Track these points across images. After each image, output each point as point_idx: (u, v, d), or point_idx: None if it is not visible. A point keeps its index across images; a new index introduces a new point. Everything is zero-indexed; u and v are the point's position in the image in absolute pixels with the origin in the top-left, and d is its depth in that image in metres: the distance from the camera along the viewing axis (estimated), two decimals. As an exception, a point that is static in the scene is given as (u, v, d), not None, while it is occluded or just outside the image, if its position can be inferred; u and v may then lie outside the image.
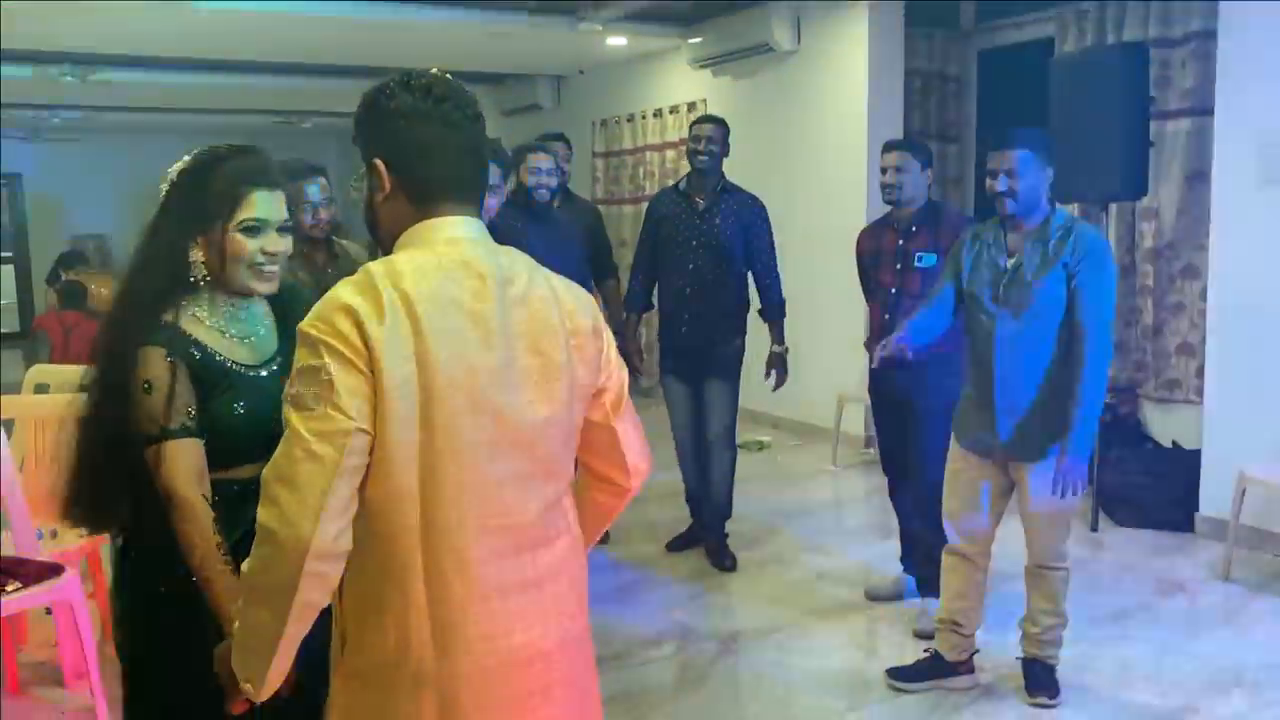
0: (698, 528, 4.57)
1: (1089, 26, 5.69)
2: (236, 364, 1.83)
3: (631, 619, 3.86)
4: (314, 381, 1.32)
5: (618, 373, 1.60)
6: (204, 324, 1.83)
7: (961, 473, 3.17)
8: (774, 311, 4.47)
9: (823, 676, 3.43)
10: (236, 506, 1.75)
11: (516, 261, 1.49)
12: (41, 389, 4.31)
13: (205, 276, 1.83)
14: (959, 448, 3.19)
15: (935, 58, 6.53)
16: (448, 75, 1.50)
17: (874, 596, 4.03)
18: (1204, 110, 5.13)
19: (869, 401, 4.33)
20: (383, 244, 1.51)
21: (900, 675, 3.30)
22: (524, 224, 3.88)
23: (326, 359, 1.32)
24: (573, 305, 1.52)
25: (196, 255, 1.82)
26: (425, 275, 1.37)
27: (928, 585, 3.69)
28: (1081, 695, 3.20)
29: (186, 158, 1.89)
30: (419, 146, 1.45)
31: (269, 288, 1.86)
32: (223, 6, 6.03)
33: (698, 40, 7.15)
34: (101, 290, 6.95)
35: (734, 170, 4.63)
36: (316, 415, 1.31)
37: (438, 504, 1.37)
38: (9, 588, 2.99)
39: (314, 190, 3.31)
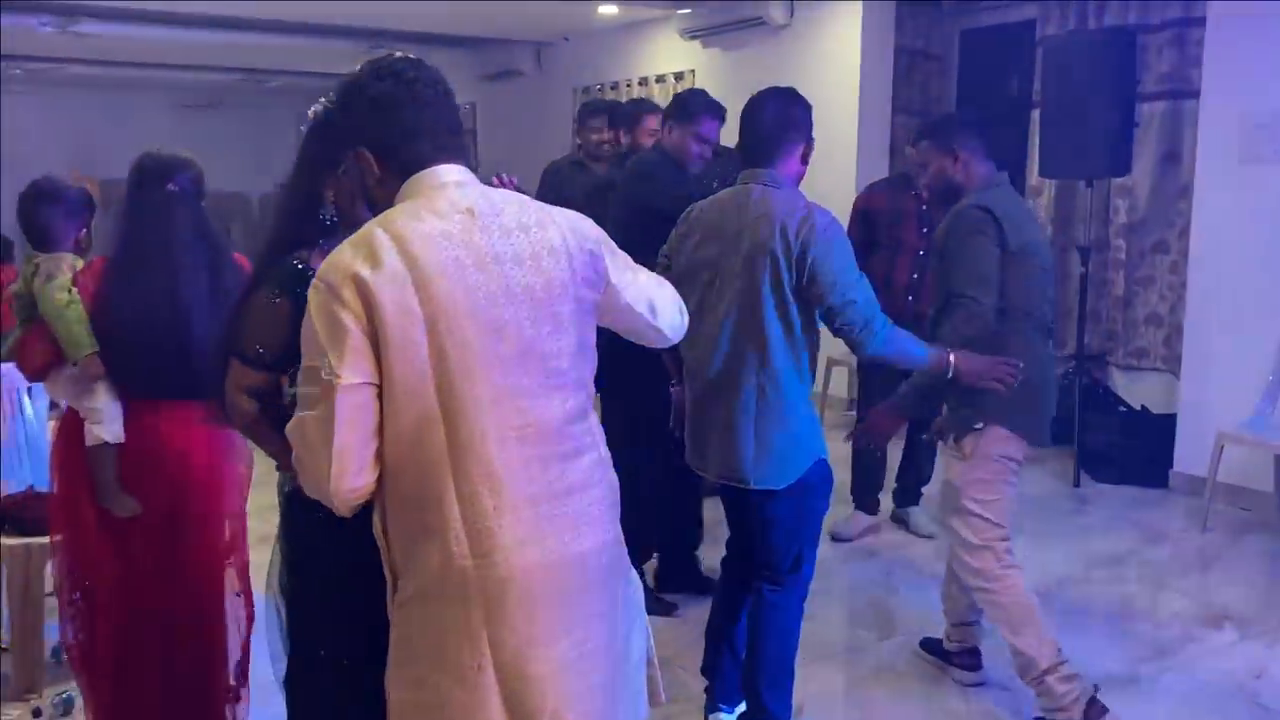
0: None
1: (1070, 11, 5.98)
2: None
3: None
4: (311, 344, 1.48)
5: (633, 280, 1.74)
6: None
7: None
8: None
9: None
10: None
11: (508, 196, 1.62)
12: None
13: (334, 217, 1.92)
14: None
15: (919, 35, 6.77)
16: (411, 56, 1.64)
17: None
18: (1180, 94, 5.46)
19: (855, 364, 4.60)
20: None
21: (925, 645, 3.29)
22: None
23: (317, 324, 1.46)
24: (571, 230, 1.63)
25: (328, 197, 1.91)
26: (417, 216, 1.51)
27: None
28: (1089, 628, 3.49)
29: (317, 107, 1.95)
30: (400, 130, 1.58)
31: None
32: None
33: (688, 10, 7.29)
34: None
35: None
36: (310, 378, 1.48)
37: (460, 421, 1.48)
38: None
39: None
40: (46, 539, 2.98)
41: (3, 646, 3.11)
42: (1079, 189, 5.78)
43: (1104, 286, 5.86)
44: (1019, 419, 2.81)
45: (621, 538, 1.69)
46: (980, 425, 2.79)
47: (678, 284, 2.55)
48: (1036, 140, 5.94)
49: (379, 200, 1.62)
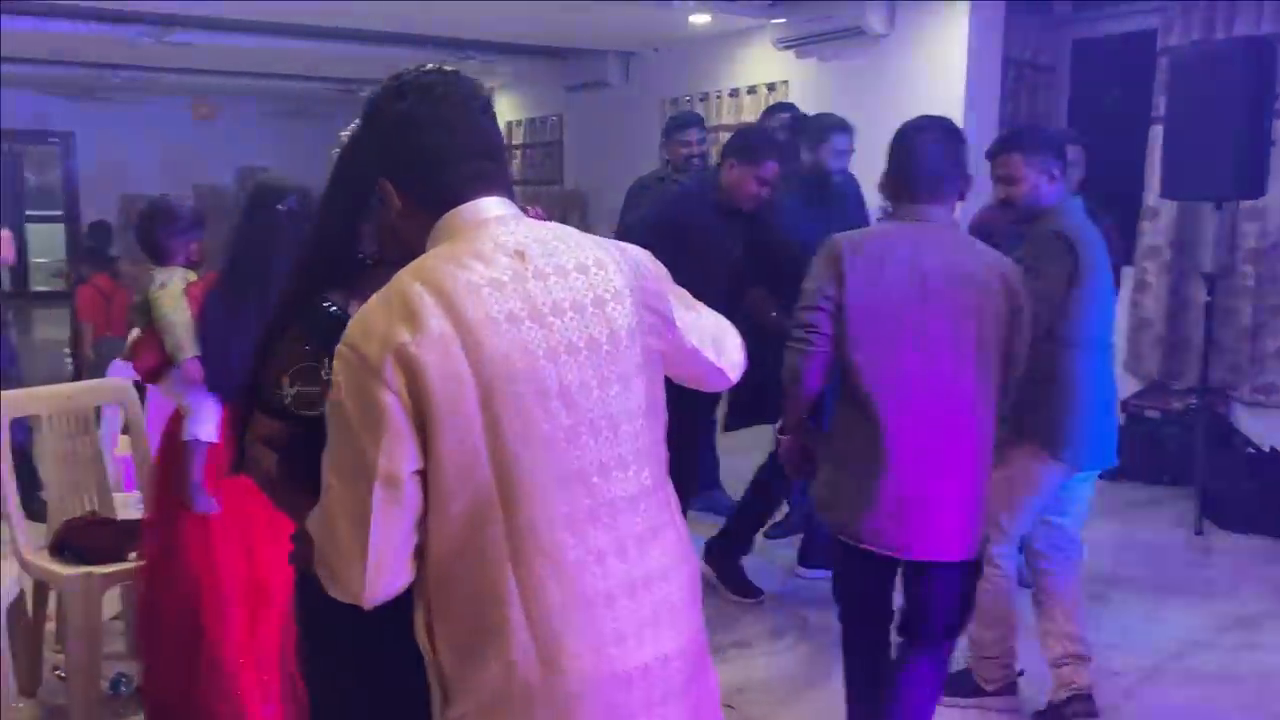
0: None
1: (1196, 19, 5.59)
2: None
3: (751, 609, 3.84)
4: (340, 426, 1.25)
5: (696, 319, 1.51)
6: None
7: None
8: None
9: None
10: None
11: (558, 231, 1.37)
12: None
13: (374, 256, 1.68)
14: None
15: (1029, 45, 6.42)
16: (445, 68, 1.40)
17: None
18: (1319, 109, 5.04)
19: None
20: (413, 255, 1.38)
21: None
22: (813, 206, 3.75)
23: (347, 402, 1.23)
24: (632, 268, 1.39)
25: (366, 233, 1.66)
26: (458, 263, 1.27)
27: None
28: (1223, 705, 3.14)
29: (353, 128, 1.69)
30: (424, 158, 1.34)
31: None
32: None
33: (782, 20, 7.04)
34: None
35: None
36: (342, 465, 1.25)
37: (520, 505, 1.25)
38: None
39: None
40: (108, 568, 2.88)
41: (60, 676, 3.00)
42: (1204, 211, 5.39)
43: (1229, 316, 5.44)
44: (1048, 438, 2.83)
45: (703, 625, 1.46)
46: (1014, 439, 2.82)
47: (851, 326, 2.28)
48: (1156, 158, 5.57)
49: (406, 240, 1.39)
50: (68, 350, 10.31)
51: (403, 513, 1.24)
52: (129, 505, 3.39)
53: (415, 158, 1.35)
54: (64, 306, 12.83)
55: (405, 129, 1.35)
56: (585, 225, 9.56)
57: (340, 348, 1.26)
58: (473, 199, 1.34)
